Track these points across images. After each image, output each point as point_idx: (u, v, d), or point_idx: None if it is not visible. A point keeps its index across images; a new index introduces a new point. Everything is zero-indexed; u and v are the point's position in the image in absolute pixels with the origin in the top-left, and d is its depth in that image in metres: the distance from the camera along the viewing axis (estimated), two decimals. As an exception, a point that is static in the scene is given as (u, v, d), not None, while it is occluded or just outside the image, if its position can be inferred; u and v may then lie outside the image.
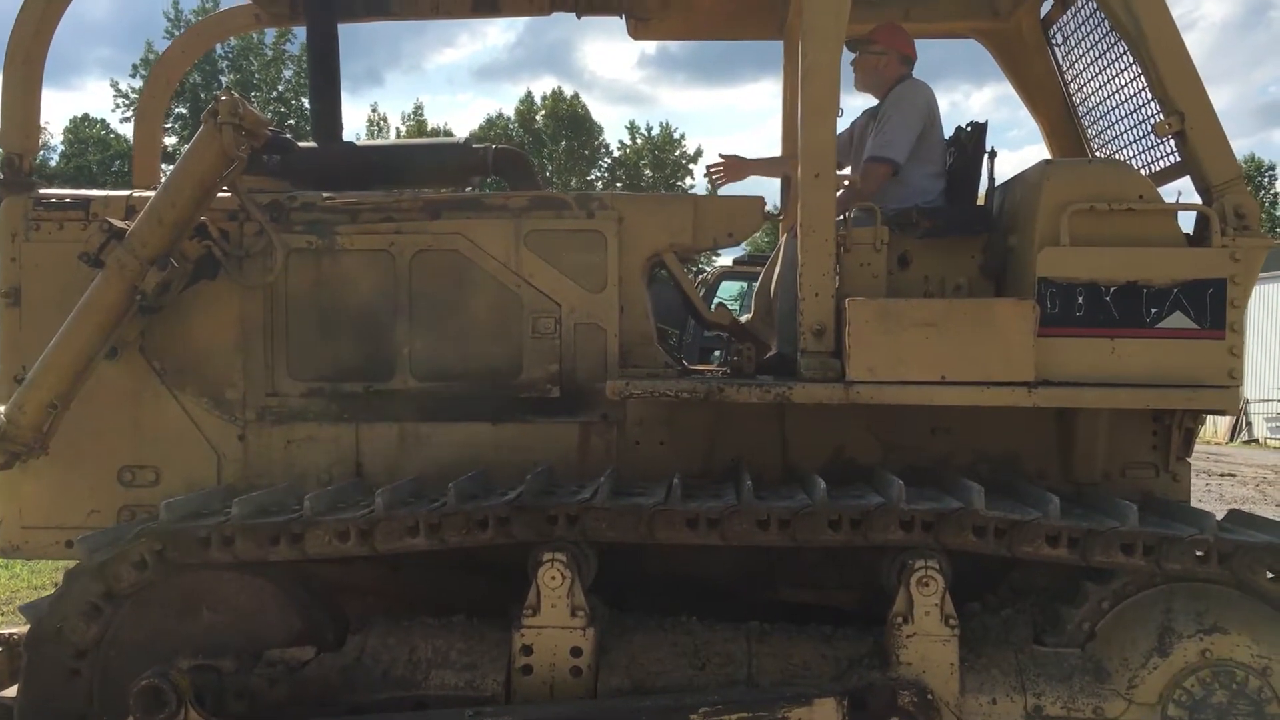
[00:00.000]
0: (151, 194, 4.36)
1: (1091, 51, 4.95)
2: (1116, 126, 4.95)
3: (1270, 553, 3.85)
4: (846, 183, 5.03)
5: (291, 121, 44.02)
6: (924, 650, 3.82)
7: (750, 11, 5.67)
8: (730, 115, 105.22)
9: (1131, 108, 4.72)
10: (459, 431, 4.54)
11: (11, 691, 4.18)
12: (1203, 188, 4.25)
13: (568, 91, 60.86)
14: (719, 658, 3.92)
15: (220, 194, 4.39)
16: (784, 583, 4.45)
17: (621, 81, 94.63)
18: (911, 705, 3.73)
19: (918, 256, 4.61)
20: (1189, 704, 3.84)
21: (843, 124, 5.20)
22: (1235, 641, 3.85)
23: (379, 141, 27.85)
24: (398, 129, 54.19)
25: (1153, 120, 4.42)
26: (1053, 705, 3.82)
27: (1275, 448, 25.18)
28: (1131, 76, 4.59)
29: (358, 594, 4.36)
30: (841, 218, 4.52)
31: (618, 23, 5.75)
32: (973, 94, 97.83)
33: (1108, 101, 4.95)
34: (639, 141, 55.86)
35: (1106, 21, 4.57)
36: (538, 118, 54.88)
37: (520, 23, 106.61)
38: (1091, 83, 5.10)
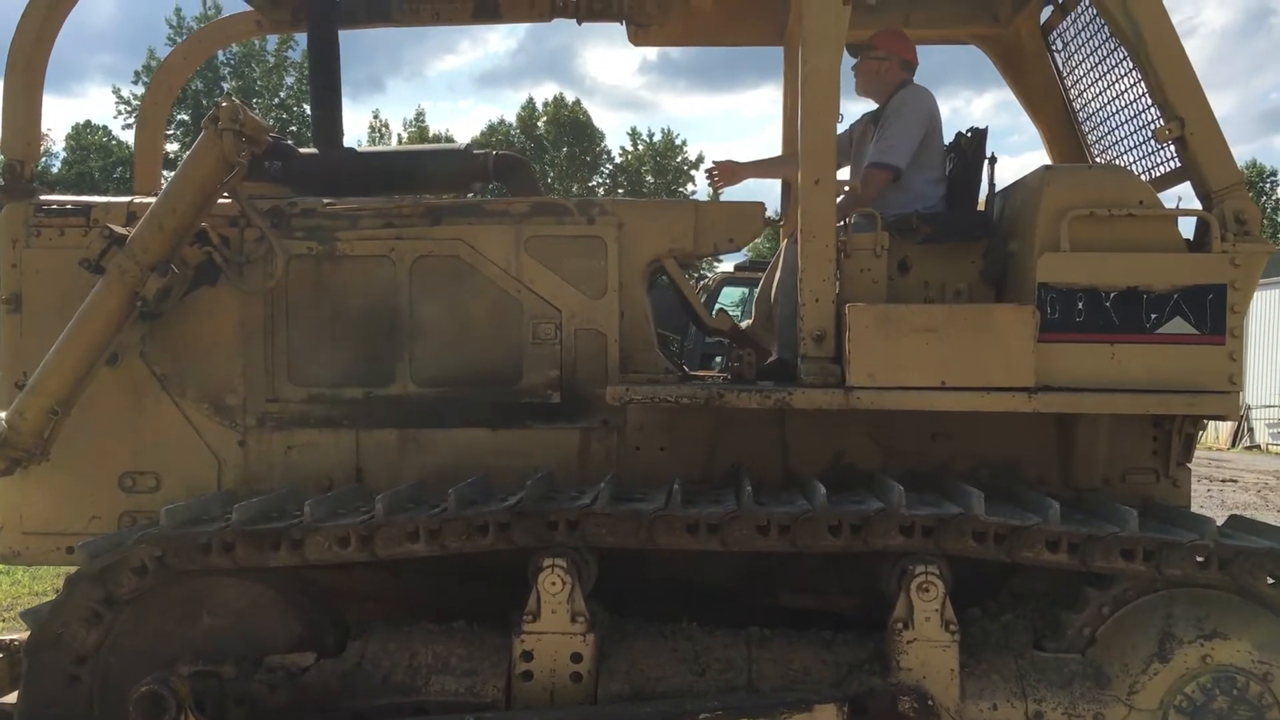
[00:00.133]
0: (152, 200, 4.37)
1: (1091, 57, 4.96)
2: (1117, 132, 4.96)
3: (1271, 558, 3.85)
4: (847, 188, 5.03)
5: (293, 128, 44.08)
6: (924, 656, 3.81)
7: (750, 17, 5.68)
8: (731, 121, 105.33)
9: (1132, 113, 4.73)
10: (459, 437, 4.54)
11: (12, 698, 4.18)
12: (1203, 193, 4.26)
13: (569, 98, 60.91)
14: (719, 663, 3.92)
15: (221, 200, 4.39)
16: (784, 588, 4.45)
17: (623, 88, 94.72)
18: (912, 711, 3.73)
19: (918, 262, 4.61)
20: (1190, 709, 3.84)
21: (841, 128, 5.22)
22: (1236, 647, 3.86)
23: (380, 148, 27.94)
24: (399, 135, 54.24)
25: (1153, 126, 4.43)
26: (1053, 711, 3.81)
27: (1277, 453, 25.14)
28: (1132, 82, 4.60)
29: (358, 599, 4.35)
30: (842, 223, 4.53)
31: (619, 29, 5.76)
32: (974, 100, 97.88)
33: (1108, 107, 4.96)
34: (640, 148, 55.85)
35: (1106, 28, 4.57)
36: (539, 124, 54.89)
37: (521, 29, 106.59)
38: (1092, 88, 5.10)
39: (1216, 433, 26.43)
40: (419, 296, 4.56)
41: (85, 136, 50.96)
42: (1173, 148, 4.39)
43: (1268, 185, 48.01)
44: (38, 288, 4.59)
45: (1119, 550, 3.83)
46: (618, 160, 55.86)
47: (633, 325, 4.55)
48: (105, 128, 51.35)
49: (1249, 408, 26.12)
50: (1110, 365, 4.06)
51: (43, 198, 4.69)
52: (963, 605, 3.97)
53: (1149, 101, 4.45)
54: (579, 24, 5.74)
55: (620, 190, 52.44)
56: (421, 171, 5.30)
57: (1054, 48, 5.36)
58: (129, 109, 46.99)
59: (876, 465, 4.51)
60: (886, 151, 4.89)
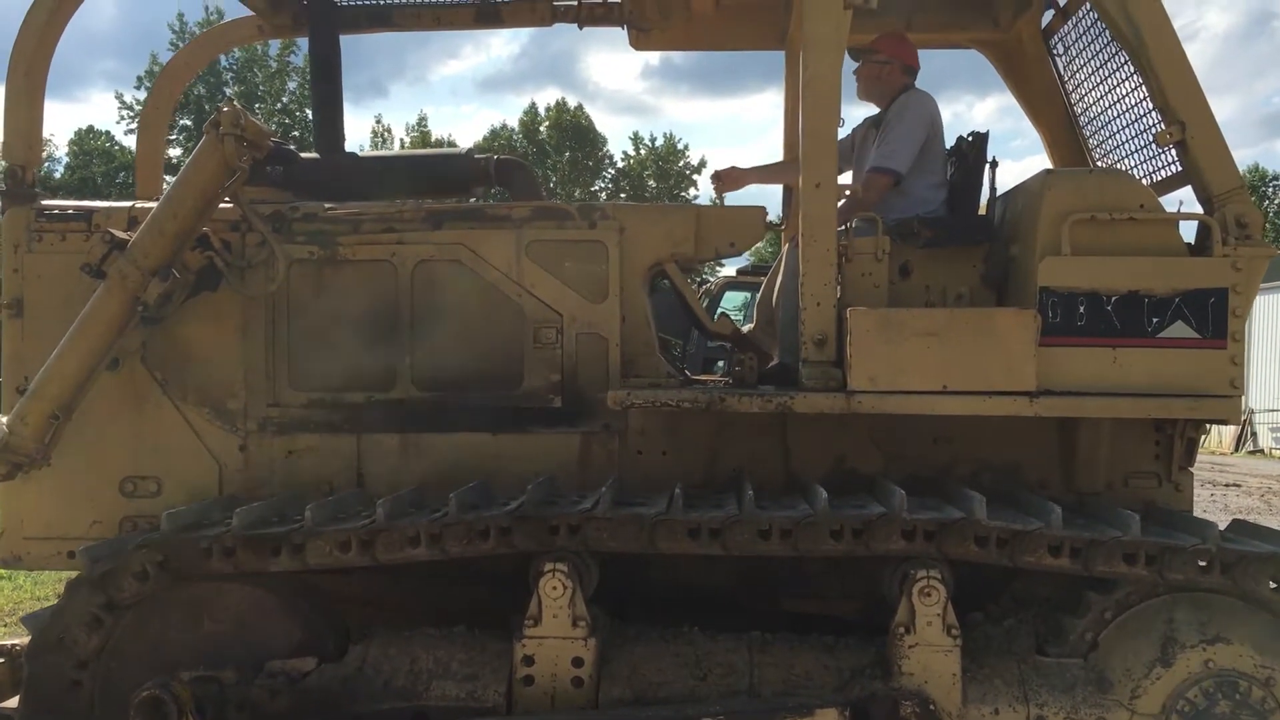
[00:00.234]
0: (154, 205, 4.38)
1: (1093, 62, 4.96)
2: (1118, 136, 4.95)
3: (1273, 563, 3.84)
4: (848, 193, 5.03)
5: (296, 133, 44.11)
6: (926, 660, 3.81)
7: (751, 22, 5.68)
8: (734, 126, 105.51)
9: (1133, 117, 4.72)
10: (461, 441, 4.54)
11: (13, 702, 4.18)
12: (1204, 197, 4.26)
13: (571, 103, 61.07)
14: (721, 668, 3.92)
15: (222, 205, 4.40)
16: (786, 593, 4.44)
17: (625, 92, 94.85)
18: (914, 716, 3.72)
19: (919, 266, 4.61)
20: (1192, 714, 3.84)
21: (843, 133, 5.22)
22: (1238, 652, 3.85)
23: (381, 152, 27.96)
24: (402, 140, 54.33)
25: (1154, 130, 4.42)
26: (1055, 716, 3.81)
27: (1280, 458, 25.12)
28: (1133, 86, 4.60)
29: (359, 604, 4.35)
30: (843, 228, 4.53)
31: (621, 34, 5.77)
32: (976, 104, 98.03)
33: (1109, 111, 4.96)
34: (643, 152, 55.90)
35: (1107, 32, 4.57)
36: (542, 129, 54.95)
37: (524, 34, 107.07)
38: (1093, 93, 5.10)
39: (1220, 437, 26.41)
40: (420, 301, 4.56)
41: (88, 142, 51.05)
42: (1174, 151, 4.39)
43: (1270, 189, 47.97)
44: (39, 292, 4.59)
45: (1121, 555, 3.82)
46: (620, 165, 55.92)
47: (634, 329, 4.55)
48: (108, 133, 51.50)
49: (1252, 412, 26.09)
50: (1112, 369, 4.06)
51: (44, 203, 4.69)
52: (965, 610, 3.97)
53: (1150, 105, 4.44)
54: (580, 28, 5.76)
55: (622, 195, 52.45)
56: (423, 176, 5.30)
57: (1055, 52, 5.36)
58: (131, 114, 47.03)
59: (878, 469, 4.51)
60: (887, 156, 4.89)
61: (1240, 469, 20.65)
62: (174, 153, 36.75)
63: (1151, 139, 4.49)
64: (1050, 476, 4.55)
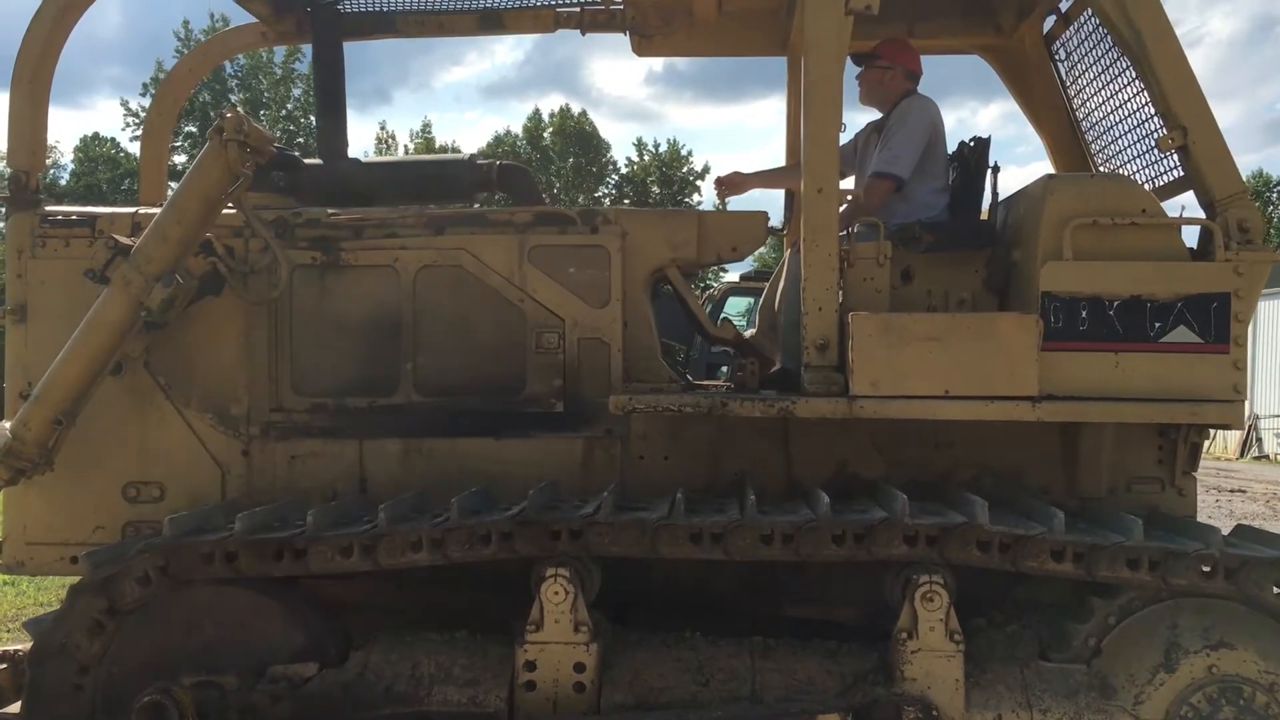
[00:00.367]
0: (157, 211, 4.38)
1: (1095, 67, 4.96)
2: (1120, 141, 4.96)
3: (1277, 568, 3.84)
4: (850, 197, 5.04)
5: (300, 140, 44.20)
6: (929, 666, 3.80)
7: (753, 28, 5.69)
8: (737, 132, 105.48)
9: (1135, 123, 4.72)
10: (463, 446, 4.54)
11: (15, 708, 4.18)
12: (1206, 202, 4.25)
13: (575, 109, 61.04)
14: (723, 673, 3.91)
15: (226, 210, 4.41)
16: (788, 598, 4.43)
17: (629, 98, 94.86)
18: (916, 721, 3.71)
19: (921, 271, 4.61)
20: (1196, 720, 3.82)
21: (845, 138, 5.22)
22: (1242, 657, 3.84)
23: (384, 158, 28.00)
24: (406, 146, 54.38)
25: (1156, 135, 4.42)
26: (1059, 721, 3.79)
27: (1285, 463, 25.06)
28: (1135, 92, 4.60)
29: (361, 609, 4.35)
30: (845, 232, 4.53)
31: (624, 40, 5.78)
32: (979, 110, 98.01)
33: (1111, 116, 4.96)
34: (646, 158, 55.88)
35: (1109, 37, 4.57)
36: (545, 135, 54.98)
37: (528, 41, 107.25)
38: (1095, 98, 5.10)
39: (1225, 443, 26.37)
40: (422, 306, 4.56)
41: (93, 148, 51.14)
42: (1176, 157, 4.39)
43: (1274, 195, 47.89)
44: (43, 298, 4.61)
45: (1124, 560, 3.82)
46: (624, 171, 55.92)
47: (636, 334, 4.56)
48: (113, 140, 51.57)
49: (1257, 417, 26.06)
50: (1114, 374, 4.05)
51: (48, 208, 4.70)
52: (967, 615, 3.96)
53: (1152, 110, 4.45)
54: (583, 34, 5.77)
55: (626, 201, 52.48)
56: (425, 181, 5.32)
57: (1057, 57, 5.37)
58: (137, 121, 47.16)
59: (880, 474, 4.51)
60: (889, 161, 4.89)
61: (1245, 474, 20.61)
62: (179, 159, 36.84)
63: (1153, 144, 4.49)
64: (1053, 481, 4.54)
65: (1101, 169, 5.22)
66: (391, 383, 4.57)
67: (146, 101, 45.52)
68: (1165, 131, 4.29)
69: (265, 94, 49.26)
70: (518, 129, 56.05)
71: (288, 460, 4.59)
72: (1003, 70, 5.64)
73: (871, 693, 3.81)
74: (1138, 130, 4.72)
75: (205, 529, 4.06)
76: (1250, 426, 25.92)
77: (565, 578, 3.82)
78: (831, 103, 4.17)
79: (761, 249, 5.30)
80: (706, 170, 55.00)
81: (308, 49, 5.68)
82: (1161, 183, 4.62)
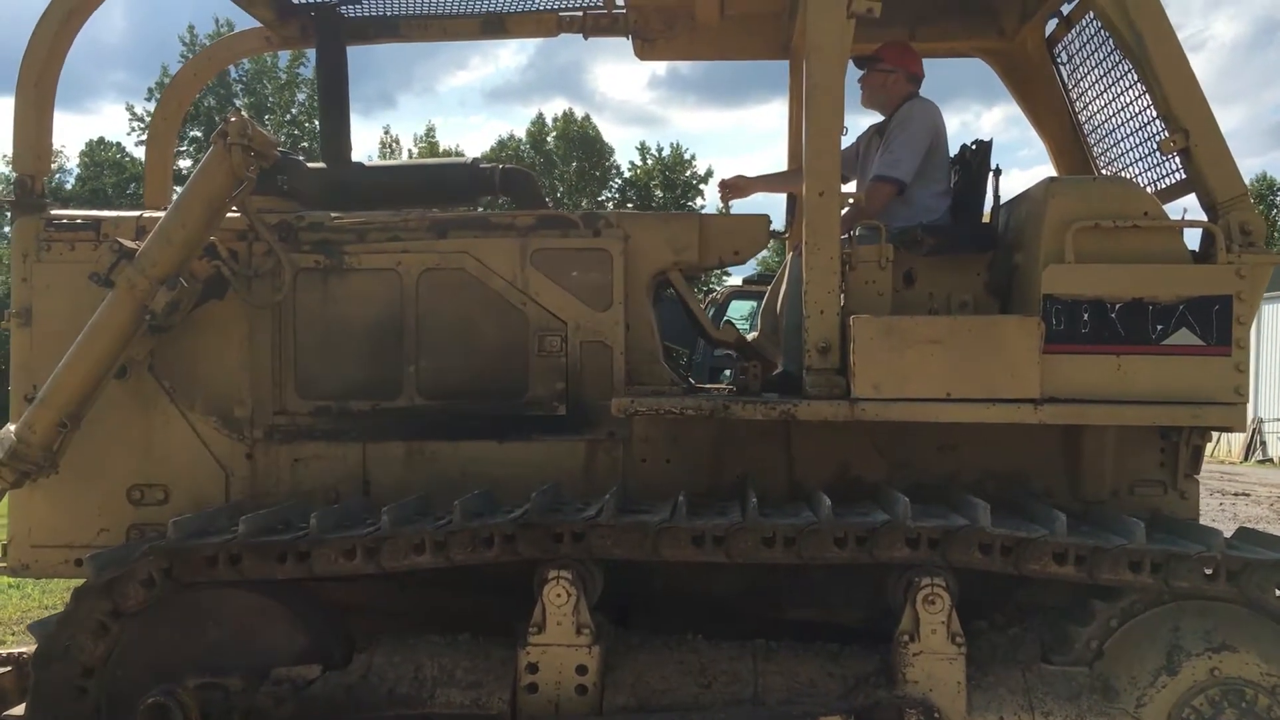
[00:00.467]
0: (161, 214, 4.40)
1: (1097, 70, 4.96)
2: (1122, 144, 4.96)
3: (1279, 570, 3.82)
4: (851, 201, 5.04)
5: (305, 144, 44.30)
6: (930, 668, 3.81)
7: (755, 32, 5.70)
8: (740, 136, 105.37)
9: (1137, 125, 4.73)
10: (466, 449, 4.56)
11: (20, 710, 4.19)
12: (1208, 204, 4.26)
13: (579, 113, 61.12)
14: (725, 676, 3.92)
15: (229, 214, 4.42)
16: (790, 601, 4.43)
17: (632, 103, 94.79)
18: (918, 724, 3.71)
19: (923, 274, 4.61)
20: (1198, 723, 3.82)
21: (847, 141, 5.23)
22: (1244, 660, 3.84)
23: (387, 162, 28.07)
24: (410, 151, 54.47)
25: (1158, 138, 4.42)
26: (1061, 724, 3.79)
27: (1290, 467, 25.00)
28: (1136, 94, 4.60)
29: (364, 612, 4.36)
30: (846, 236, 4.53)
31: (627, 45, 5.80)
32: (983, 114, 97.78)
33: (1113, 119, 4.96)
34: (650, 162, 55.93)
35: (1111, 40, 4.58)
36: (549, 139, 55.05)
37: (531, 45, 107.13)
38: (1097, 101, 5.10)
39: (1229, 446, 26.31)
40: (425, 309, 4.58)
41: (99, 153, 51.26)
42: (1178, 159, 4.39)
43: (1277, 198, 47.80)
44: (48, 301, 4.62)
45: (1126, 562, 3.82)
46: (627, 175, 55.96)
47: (638, 337, 4.57)
48: (119, 144, 51.70)
49: (1261, 421, 26.00)
50: (1116, 377, 4.06)
51: (53, 212, 4.72)
52: (969, 618, 3.96)
53: (1154, 113, 4.45)
54: (585, 38, 5.79)
55: (630, 205, 52.50)
56: (428, 185, 5.33)
57: (1059, 60, 5.37)
58: (142, 125, 47.22)
59: (882, 477, 4.51)
60: (890, 165, 4.90)
61: (1249, 478, 20.57)
62: (184, 164, 36.87)
63: (1155, 147, 4.50)
64: (1055, 484, 4.55)
65: (1104, 172, 5.22)
66: (395, 386, 4.58)
67: (152, 106, 45.61)
68: (1167, 134, 4.29)
69: (270, 99, 49.36)
70: (521, 133, 56.19)
71: (291, 463, 4.60)
72: (1005, 73, 5.65)
73: (873, 695, 3.82)
74: (1140, 133, 4.72)
75: (209, 532, 4.07)
76: (1254, 430, 25.87)
77: (567, 580, 3.83)
78: (833, 106, 4.17)
79: (764, 252, 5.30)
80: (710, 174, 55.07)
81: (312, 53, 5.70)
82: (1163, 185, 4.62)
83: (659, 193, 54.55)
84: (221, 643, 3.97)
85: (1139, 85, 4.50)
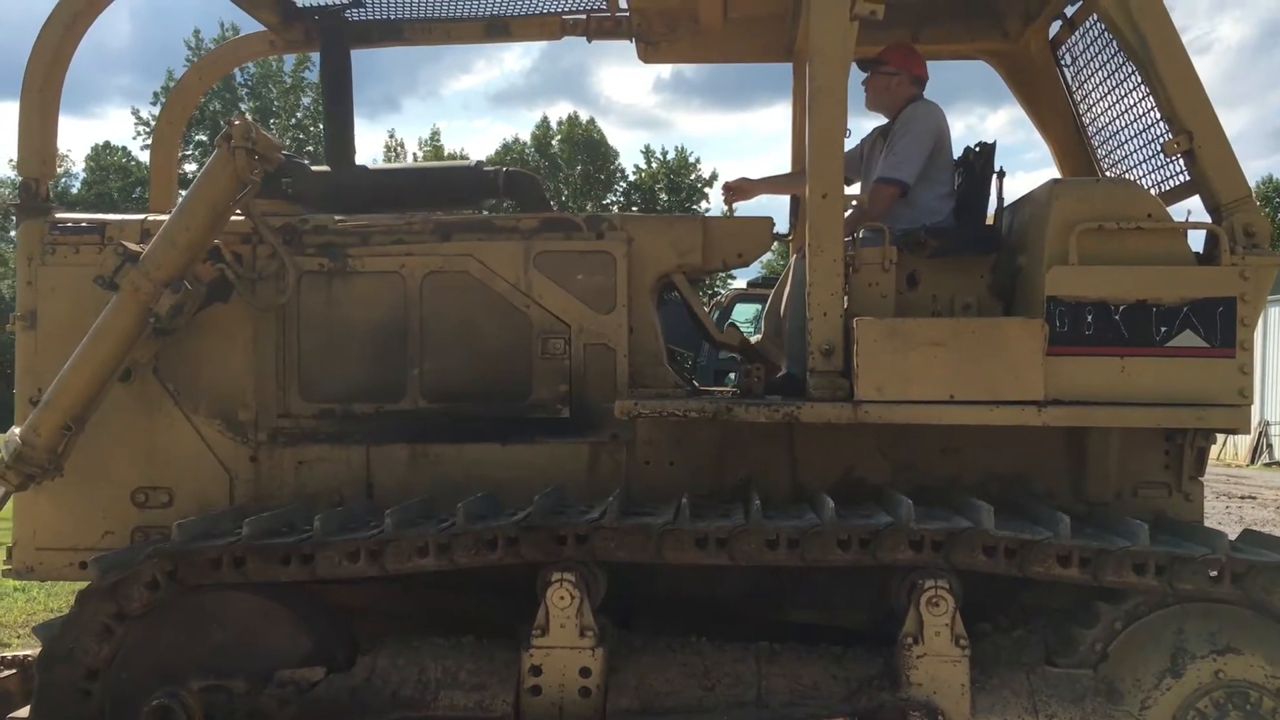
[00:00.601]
0: (166, 218, 4.41)
1: (1100, 72, 4.96)
2: (1126, 146, 4.96)
3: (1284, 572, 3.82)
4: (855, 203, 5.04)
5: (310, 148, 44.33)
6: (934, 671, 3.80)
7: (759, 34, 5.71)
8: (745, 139, 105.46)
9: (1141, 127, 4.73)
10: (469, 452, 4.56)
11: (24, 712, 4.20)
12: (1212, 206, 4.25)
13: (583, 116, 61.09)
14: (728, 678, 3.92)
15: (234, 217, 4.43)
16: (793, 603, 4.43)
17: (637, 106, 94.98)
18: (922, 726, 3.71)
19: (926, 276, 4.61)
20: (1203, 725, 3.81)
21: (852, 143, 5.23)
22: (1249, 662, 3.83)
23: (391, 165, 28.10)
24: (415, 154, 54.52)
25: (1162, 140, 4.42)
26: (1065, 727, 3.79)
27: (1296, 470, 24.92)
28: (1140, 96, 4.60)
29: (367, 614, 4.36)
30: (850, 238, 4.53)
31: (632, 48, 5.80)
32: (988, 116, 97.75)
33: (1117, 121, 4.96)
34: (654, 165, 55.97)
35: (1115, 42, 4.58)
36: (554, 143, 55.09)
37: (536, 49, 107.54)
38: (1101, 103, 5.10)
39: (1235, 449, 26.24)
40: (429, 312, 4.58)
41: (104, 157, 51.43)
42: (1181, 161, 4.39)
43: (1285, 200, 47.65)
44: (52, 305, 4.63)
45: (1130, 564, 3.81)
46: (632, 178, 55.99)
47: (641, 340, 4.57)
48: (124, 148, 51.89)
49: (1268, 424, 25.92)
50: (1120, 378, 4.05)
51: (58, 215, 4.73)
52: (973, 620, 3.96)
53: (1158, 115, 4.45)
54: (589, 41, 5.80)
55: (634, 208, 52.51)
56: (432, 188, 5.34)
57: (1063, 62, 5.37)
58: (148, 130, 47.33)
59: (886, 479, 4.51)
60: (894, 167, 4.90)
61: (1256, 481, 20.51)
62: (189, 168, 36.99)
63: (1159, 149, 4.49)
64: (1059, 486, 4.54)
65: (1108, 174, 5.22)
66: (398, 388, 4.59)
67: (157, 110, 45.73)
68: (1171, 136, 4.29)
69: (275, 102, 49.48)
70: (526, 137, 56.25)
71: (295, 466, 4.61)
72: (1008, 76, 5.65)
73: (877, 698, 3.81)
74: (1144, 135, 4.72)
75: (213, 534, 4.08)
76: (1260, 433, 25.80)
77: (571, 583, 3.83)
78: (836, 108, 4.17)
79: (769, 255, 5.31)
80: (714, 177, 55.08)
81: (317, 57, 5.71)
82: (1167, 187, 4.62)
83: (664, 196, 54.59)
84: (225, 645, 3.98)
85: (1143, 87, 4.49)
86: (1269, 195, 44.68)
